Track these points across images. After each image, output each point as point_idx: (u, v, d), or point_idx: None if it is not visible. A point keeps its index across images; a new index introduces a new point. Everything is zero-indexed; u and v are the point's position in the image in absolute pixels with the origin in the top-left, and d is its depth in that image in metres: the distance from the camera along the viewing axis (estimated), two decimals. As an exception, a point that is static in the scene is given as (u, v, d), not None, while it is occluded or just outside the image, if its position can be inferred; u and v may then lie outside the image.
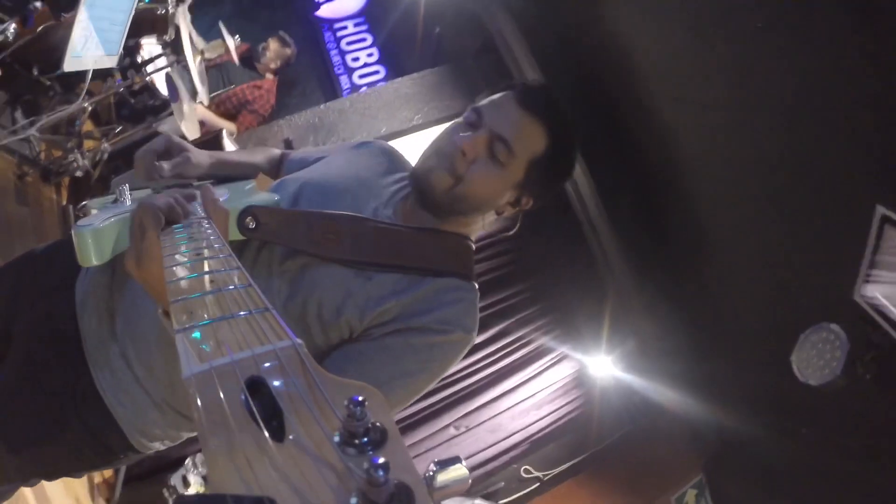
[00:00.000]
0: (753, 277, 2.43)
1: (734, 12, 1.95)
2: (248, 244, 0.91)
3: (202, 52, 3.10)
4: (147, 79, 3.02)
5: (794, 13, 1.73)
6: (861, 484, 2.12)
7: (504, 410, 3.13)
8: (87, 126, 3.14)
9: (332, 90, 4.46)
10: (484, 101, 0.99)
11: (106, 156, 2.94)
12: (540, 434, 3.08)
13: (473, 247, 1.02)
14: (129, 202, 0.85)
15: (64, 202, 3.12)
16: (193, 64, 2.85)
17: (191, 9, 3.18)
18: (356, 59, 4.57)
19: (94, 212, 0.87)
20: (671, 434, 2.97)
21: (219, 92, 3.57)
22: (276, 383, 0.32)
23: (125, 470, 2.36)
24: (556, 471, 2.97)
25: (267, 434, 0.29)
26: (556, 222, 3.22)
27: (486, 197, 0.96)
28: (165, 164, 0.93)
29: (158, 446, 1.01)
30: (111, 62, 2.50)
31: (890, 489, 1.99)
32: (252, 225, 0.84)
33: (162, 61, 3.11)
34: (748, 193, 2.27)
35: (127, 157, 3.21)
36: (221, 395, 0.30)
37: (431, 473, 0.33)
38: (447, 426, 3.05)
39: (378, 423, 0.30)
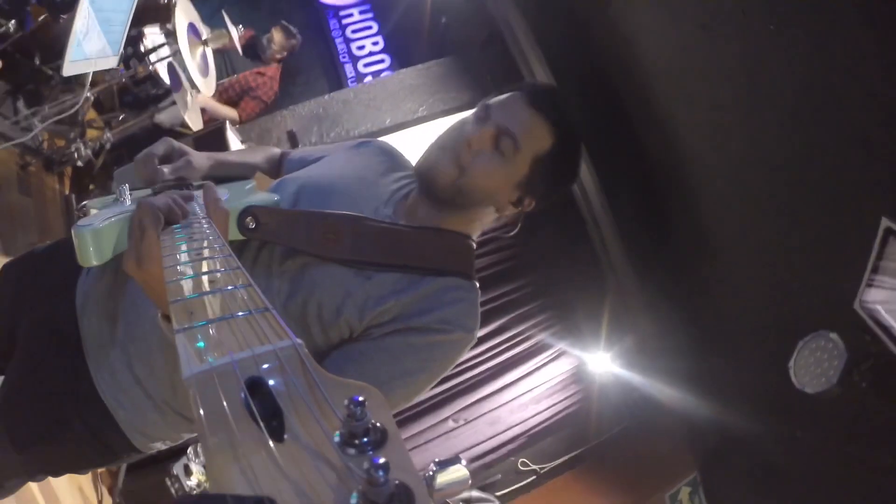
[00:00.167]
0: (755, 279, 2.43)
1: (746, 13, 1.93)
2: (248, 244, 0.91)
3: (206, 42, 3.09)
4: (150, 68, 3.01)
5: (809, 17, 1.71)
6: (854, 490, 2.13)
7: (503, 404, 3.15)
8: (90, 114, 3.14)
9: (336, 78, 4.44)
10: (493, 100, 1.00)
11: (108, 145, 2.94)
12: (538, 428, 3.10)
13: (474, 246, 1.02)
14: (129, 202, 0.85)
15: (67, 192, 3.12)
16: (190, 56, 2.84)
17: (193, -4, 3.16)
18: (361, 48, 4.54)
19: (94, 212, 0.87)
20: (668, 431, 2.99)
21: (222, 81, 3.56)
22: (276, 383, 0.32)
23: (127, 459, 2.37)
24: (553, 464, 3.00)
25: (267, 434, 0.29)
26: (558, 218, 3.21)
27: (488, 190, 0.96)
28: (166, 168, 0.93)
29: (160, 446, 1.02)
30: (112, 62, 2.50)
31: (882, 497, 2.00)
32: (252, 225, 0.84)
33: (165, 50, 3.10)
34: (753, 195, 2.26)
35: (129, 147, 3.21)
36: (221, 395, 0.30)
37: (431, 473, 0.33)
38: (446, 419, 3.07)
39: (378, 423, 0.30)
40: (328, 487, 0.27)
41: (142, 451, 1.00)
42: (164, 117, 3.21)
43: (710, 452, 2.94)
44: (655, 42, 2.47)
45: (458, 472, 0.33)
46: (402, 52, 4.48)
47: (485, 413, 3.11)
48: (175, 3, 2.97)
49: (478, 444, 3.02)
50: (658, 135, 2.66)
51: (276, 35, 3.84)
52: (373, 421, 0.30)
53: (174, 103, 2.92)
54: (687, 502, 2.93)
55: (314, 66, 4.46)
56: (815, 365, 1.82)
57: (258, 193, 0.98)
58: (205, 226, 0.67)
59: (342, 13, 4.68)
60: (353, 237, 0.90)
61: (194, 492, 2.31)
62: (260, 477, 0.27)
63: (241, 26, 3.60)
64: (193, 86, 2.90)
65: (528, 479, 2.97)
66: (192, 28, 3.02)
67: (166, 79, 2.97)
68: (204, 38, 3.10)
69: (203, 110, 3.22)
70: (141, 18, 2.98)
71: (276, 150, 1.21)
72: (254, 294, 0.41)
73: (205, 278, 0.48)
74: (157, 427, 0.97)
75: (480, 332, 0.96)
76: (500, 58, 3.36)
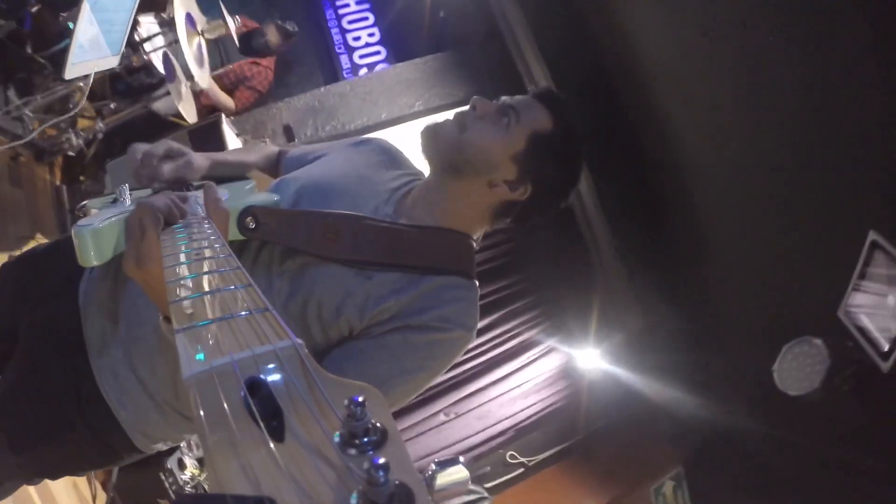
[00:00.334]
0: (744, 281, 2.46)
1: (748, 19, 1.93)
2: (248, 244, 0.91)
3: (202, 33, 3.05)
4: (145, 58, 2.98)
5: (811, 27, 1.72)
6: (833, 490, 2.17)
7: (493, 398, 3.18)
8: (78, 96, 3.09)
9: (331, 69, 4.40)
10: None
11: (101, 135, 2.91)
12: (526, 422, 3.14)
13: (475, 246, 1.02)
14: (129, 202, 0.85)
15: (58, 182, 3.09)
16: (188, 46, 2.82)
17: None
18: (357, 39, 4.51)
19: (94, 212, 0.87)
20: (654, 427, 3.03)
21: (217, 72, 3.53)
22: (276, 383, 0.32)
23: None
24: (541, 457, 3.04)
25: (267, 434, 0.29)
26: (550, 216, 3.22)
27: (485, 151, 0.97)
28: (166, 169, 0.94)
29: (161, 447, 1.02)
30: (113, 62, 2.48)
31: (860, 497, 2.04)
32: (252, 225, 0.84)
33: (160, 40, 3.06)
34: (747, 197, 2.28)
35: (122, 136, 3.18)
36: (221, 395, 0.30)
37: (431, 473, 0.33)
38: (437, 413, 3.09)
39: (378, 424, 0.30)
40: (328, 487, 0.27)
41: (143, 452, 1.00)
42: (160, 106, 3.18)
43: (695, 448, 2.98)
44: (654, 43, 2.48)
45: (459, 472, 0.34)
46: (398, 44, 4.45)
47: (475, 407, 3.14)
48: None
49: (468, 438, 3.05)
50: (654, 134, 2.67)
51: (272, 34, 3.79)
52: (373, 421, 0.30)
53: (168, 93, 2.89)
54: (671, 496, 2.97)
55: (310, 56, 4.43)
56: (798, 369, 1.87)
57: (258, 193, 0.98)
58: (205, 226, 0.67)
59: (339, 3, 4.64)
60: (353, 237, 0.90)
61: (188, 485, 2.31)
62: (260, 477, 0.27)
63: (237, 17, 3.56)
64: (189, 76, 2.87)
65: (517, 472, 3.01)
66: (188, 18, 2.99)
67: (161, 68, 2.94)
68: (200, 27, 3.07)
69: (204, 93, 3.19)
70: (136, 7, 2.94)
71: (275, 149, 1.20)
72: (254, 294, 0.41)
73: (205, 278, 0.48)
74: (158, 427, 0.97)
75: (473, 328, 0.96)
76: (498, 54, 3.35)
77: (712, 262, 2.64)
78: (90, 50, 2.27)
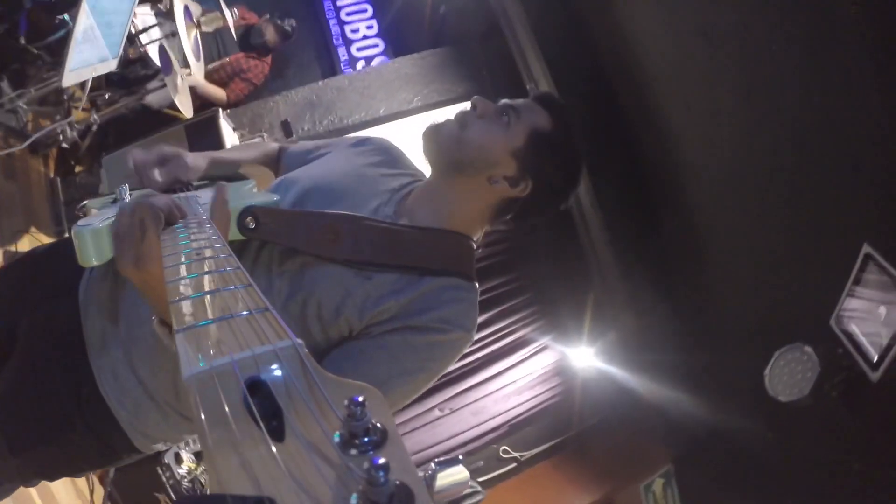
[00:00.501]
0: (739, 284, 2.48)
1: (750, 28, 1.93)
2: (248, 244, 0.91)
3: (199, 25, 3.03)
4: (141, 50, 2.96)
5: (813, 38, 1.72)
6: (821, 491, 2.20)
7: (488, 394, 3.20)
8: (77, 93, 3.07)
9: (329, 62, 4.38)
10: None
11: (95, 126, 2.90)
12: (520, 418, 3.16)
13: (475, 247, 1.02)
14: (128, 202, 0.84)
15: (52, 174, 3.07)
16: (187, 38, 2.80)
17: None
18: (355, 31, 4.47)
19: (94, 212, 0.87)
20: (646, 424, 3.06)
21: (214, 65, 3.50)
22: (276, 383, 0.32)
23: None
24: (534, 452, 3.06)
25: (267, 434, 0.29)
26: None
27: (485, 147, 0.98)
28: (160, 175, 0.94)
29: (161, 447, 1.02)
30: (112, 65, 2.46)
31: (847, 498, 2.07)
32: (252, 225, 0.84)
33: (156, 32, 3.04)
34: (744, 202, 2.29)
35: (117, 127, 3.16)
36: (221, 395, 0.30)
37: (431, 473, 0.33)
38: (432, 408, 3.11)
39: (378, 424, 0.30)
40: (328, 487, 0.27)
41: (143, 452, 1.00)
42: (153, 99, 3.16)
43: (685, 446, 3.01)
44: (655, 44, 2.48)
45: (459, 473, 0.34)
46: (397, 38, 4.43)
47: (470, 403, 3.16)
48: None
49: (462, 433, 3.08)
50: (652, 135, 2.68)
51: (269, 34, 3.75)
52: (373, 421, 0.30)
53: (164, 85, 2.87)
54: (660, 493, 3.00)
55: (307, 48, 4.39)
56: (788, 376, 1.90)
57: (258, 193, 0.98)
58: (206, 226, 0.67)
59: (337, -6, 4.61)
60: (353, 237, 0.90)
61: (185, 479, 2.31)
62: (260, 477, 0.27)
63: (235, 9, 3.53)
64: (186, 65, 2.85)
65: (510, 467, 3.04)
66: (185, 10, 2.97)
67: (157, 60, 2.92)
68: (197, 20, 3.04)
69: (192, 89, 3.17)
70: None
71: (274, 146, 1.20)
72: (254, 294, 0.41)
73: (205, 278, 0.48)
74: (159, 428, 0.96)
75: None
76: (497, 51, 3.34)
77: (708, 263, 2.65)
78: (88, 54, 2.25)
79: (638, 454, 3.07)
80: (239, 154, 1.15)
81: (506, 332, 3.28)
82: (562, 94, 2.82)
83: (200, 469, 2.36)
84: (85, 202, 0.94)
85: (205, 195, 0.85)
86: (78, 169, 3.20)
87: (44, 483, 2.03)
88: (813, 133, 1.85)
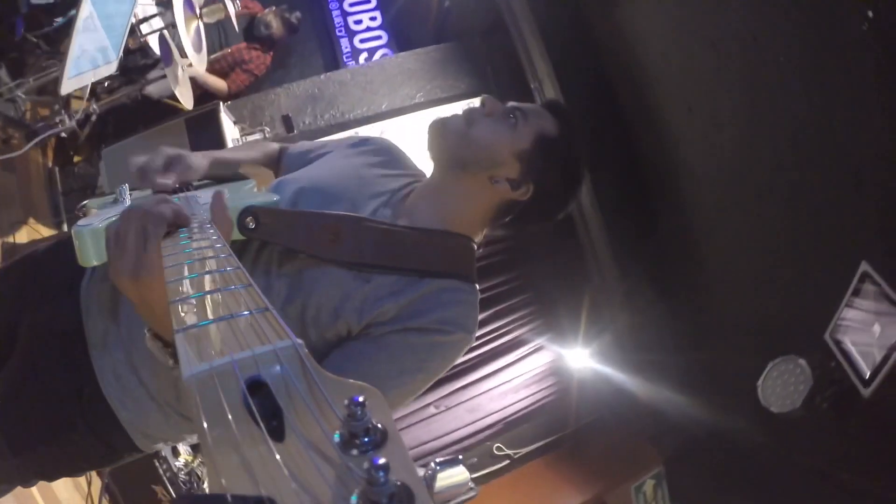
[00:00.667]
0: (736, 287, 2.49)
1: (756, 36, 1.93)
2: (248, 246, 0.91)
3: (201, 17, 3.01)
4: (141, 40, 2.94)
5: (821, 54, 1.72)
6: (809, 495, 2.22)
7: (484, 392, 3.20)
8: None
9: (332, 53, 4.34)
10: None
11: (94, 116, 2.88)
12: (514, 416, 3.17)
13: (476, 248, 1.01)
14: (129, 202, 0.84)
15: (50, 164, 3.06)
16: (186, 30, 2.78)
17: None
18: (359, 22, 4.45)
19: (94, 212, 0.87)
20: (638, 425, 3.07)
21: (216, 55, 3.48)
22: (276, 383, 0.32)
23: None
24: (527, 450, 3.08)
25: (267, 434, 0.29)
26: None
27: (491, 146, 0.98)
28: (168, 180, 0.92)
29: (161, 447, 1.03)
30: (112, 68, 2.45)
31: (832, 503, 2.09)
32: (252, 225, 0.84)
33: (157, 21, 3.02)
34: (743, 211, 2.29)
35: (117, 117, 3.15)
36: (221, 395, 0.30)
37: (432, 473, 0.33)
38: (428, 405, 3.11)
39: (378, 424, 0.30)
40: (328, 487, 0.27)
41: (143, 451, 1.00)
42: (153, 89, 3.14)
43: (677, 448, 3.02)
44: (661, 48, 2.47)
45: (459, 474, 0.34)
46: (400, 30, 4.40)
47: (465, 400, 3.16)
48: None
49: (457, 430, 3.08)
50: (654, 140, 2.68)
51: (276, 26, 3.72)
52: (373, 421, 0.30)
53: (164, 75, 2.85)
54: (651, 494, 3.01)
55: (310, 39, 4.36)
56: (781, 387, 1.92)
57: (258, 193, 0.98)
58: (206, 226, 0.67)
59: (341, -16, 4.57)
60: (353, 238, 0.89)
61: (182, 471, 2.32)
62: (260, 477, 0.27)
63: (237, 0, 3.51)
64: (185, 56, 2.84)
65: (503, 464, 3.05)
66: (187, 1, 2.95)
67: (157, 50, 2.90)
68: (198, 11, 3.02)
69: (192, 79, 3.16)
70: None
71: (275, 146, 1.19)
72: (254, 294, 0.41)
73: (206, 278, 0.48)
74: (160, 428, 0.96)
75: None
76: (501, 48, 3.32)
77: (705, 266, 2.66)
78: (87, 59, 2.23)
79: (629, 455, 3.08)
80: (239, 154, 1.15)
81: (504, 330, 3.28)
82: (564, 91, 2.82)
83: (197, 461, 2.36)
84: (85, 202, 0.94)
85: (205, 195, 0.84)
86: (77, 159, 3.19)
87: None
88: (816, 145, 1.86)
